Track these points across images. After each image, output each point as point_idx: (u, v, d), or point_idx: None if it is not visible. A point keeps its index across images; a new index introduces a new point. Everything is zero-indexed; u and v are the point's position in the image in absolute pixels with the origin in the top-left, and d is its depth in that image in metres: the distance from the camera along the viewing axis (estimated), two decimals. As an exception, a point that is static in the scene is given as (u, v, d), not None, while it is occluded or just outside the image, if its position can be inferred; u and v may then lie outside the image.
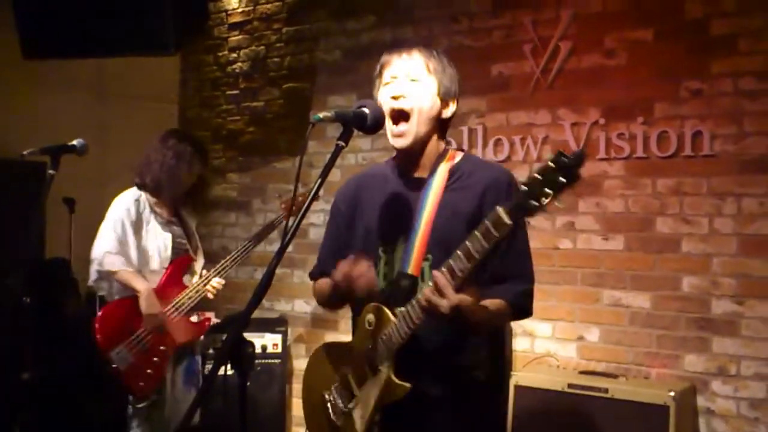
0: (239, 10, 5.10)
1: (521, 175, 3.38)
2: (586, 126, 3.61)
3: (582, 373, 3.41)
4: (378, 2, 4.39)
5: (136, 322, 3.28)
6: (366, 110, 1.85)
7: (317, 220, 4.57)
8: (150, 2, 3.90)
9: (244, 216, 5.00)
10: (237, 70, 5.09)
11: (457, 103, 2.07)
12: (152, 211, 3.43)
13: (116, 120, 4.74)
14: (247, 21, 5.05)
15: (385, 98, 2.00)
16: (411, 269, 1.95)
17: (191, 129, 5.24)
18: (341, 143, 1.80)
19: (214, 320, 4.55)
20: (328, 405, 2.09)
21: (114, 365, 3.22)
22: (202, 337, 3.66)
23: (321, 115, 1.79)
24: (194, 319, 3.49)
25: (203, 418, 3.33)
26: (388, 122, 1.98)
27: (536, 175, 1.56)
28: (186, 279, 3.49)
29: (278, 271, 1.68)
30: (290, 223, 1.72)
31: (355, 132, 1.86)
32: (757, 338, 3.20)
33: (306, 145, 4.35)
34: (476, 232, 1.68)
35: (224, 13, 5.17)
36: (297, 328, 4.64)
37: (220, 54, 5.17)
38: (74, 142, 2.91)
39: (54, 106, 4.46)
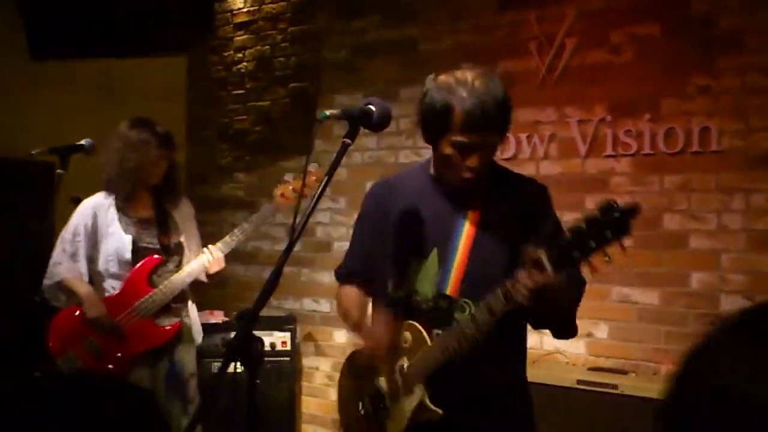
0: (244, 10, 5.11)
1: (528, 172, 3.38)
2: (593, 123, 3.60)
3: (591, 369, 3.41)
4: (383, 1, 4.40)
5: (89, 327, 3.12)
6: (372, 107, 1.82)
7: (324, 218, 4.58)
8: (156, 3, 3.92)
9: (252, 215, 5.00)
10: (243, 70, 5.10)
11: None
12: (120, 211, 3.22)
13: (123, 120, 4.75)
14: (253, 21, 5.06)
15: (457, 159, 1.88)
16: (449, 290, 1.92)
17: (198, 129, 5.28)
18: (347, 141, 1.79)
19: (224, 319, 4.58)
20: (362, 414, 2.08)
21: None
22: (203, 340, 3.46)
23: (328, 112, 1.79)
24: (167, 322, 3.21)
25: (211, 417, 3.30)
26: (453, 173, 1.91)
27: (582, 224, 1.49)
28: (158, 280, 3.22)
29: (286, 269, 1.69)
30: (297, 221, 1.72)
31: (362, 130, 1.85)
32: (766, 334, 3.19)
33: (313, 144, 4.33)
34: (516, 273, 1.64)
35: (229, 13, 5.18)
36: (305, 326, 4.65)
37: (226, 54, 5.18)
38: (82, 142, 2.94)
39: (62, 107, 4.47)
